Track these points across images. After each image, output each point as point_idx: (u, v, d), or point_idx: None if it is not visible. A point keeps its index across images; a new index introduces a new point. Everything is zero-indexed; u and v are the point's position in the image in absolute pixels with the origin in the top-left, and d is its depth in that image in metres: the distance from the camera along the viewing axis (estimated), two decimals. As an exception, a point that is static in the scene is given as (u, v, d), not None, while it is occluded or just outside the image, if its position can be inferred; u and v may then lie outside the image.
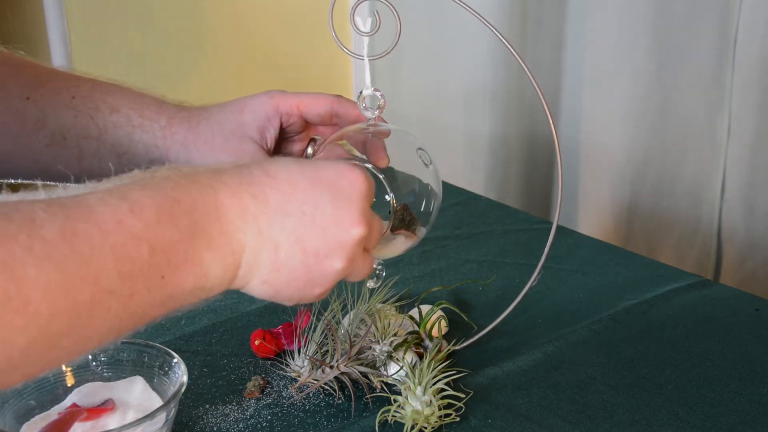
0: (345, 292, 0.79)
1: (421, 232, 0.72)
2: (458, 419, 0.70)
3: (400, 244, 0.71)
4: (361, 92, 0.72)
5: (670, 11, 1.78)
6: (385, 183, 0.68)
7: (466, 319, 0.83)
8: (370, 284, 0.73)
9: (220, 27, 2.00)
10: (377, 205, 0.68)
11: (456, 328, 0.83)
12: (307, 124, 0.78)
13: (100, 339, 0.49)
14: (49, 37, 1.74)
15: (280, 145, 0.79)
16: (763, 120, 1.76)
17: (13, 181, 0.82)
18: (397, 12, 0.69)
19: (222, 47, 2.01)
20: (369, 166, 0.69)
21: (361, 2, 0.69)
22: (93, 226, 0.47)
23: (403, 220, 0.70)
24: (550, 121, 0.73)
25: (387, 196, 0.68)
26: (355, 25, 0.70)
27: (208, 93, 1.94)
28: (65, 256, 0.45)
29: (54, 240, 0.45)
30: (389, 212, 0.68)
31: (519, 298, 0.79)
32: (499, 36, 0.71)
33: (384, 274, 0.73)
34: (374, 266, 0.72)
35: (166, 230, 0.50)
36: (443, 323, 0.82)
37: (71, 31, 1.76)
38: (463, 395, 0.71)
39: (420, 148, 0.72)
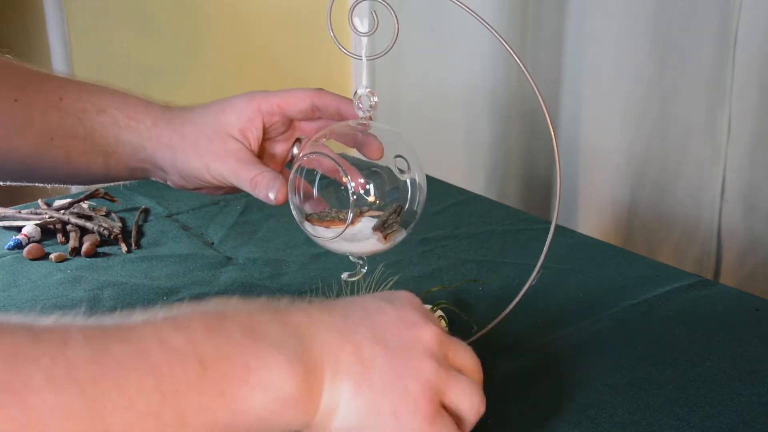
0: (345, 292, 0.79)
1: (398, 237, 0.72)
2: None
3: (369, 245, 0.71)
4: (356, 91, 0.72)
5: (670, 11, 1.78)
6: (341, 167, 0.68)
7: (465, 319, 0.83)
8: (345, 276, 0.73)
9: (220, 28, 2.00)
10: (341, 195, 0.69)
11: (456, 328, 0.83)
12: (290, 123, 0.78)
13: None
14: (49, 38, 1.75)
15: (265, 145, 0.79)
16: (763, 120, 1.76)
17: (1, 183, 0.83)
18: (394, 12, 0.69)
19: (222, 48, 2.02)
20: (331, 156, 0.70)
21: (359, 2, 0.69)
22: (129, 345, 0.44)
23: (386, 222, 0.70)
24: (548, 121, 0.73)
25: (350, 184, 0.68)
26: (352, 25, 0.70)
27: (208, 94, 1.94)
28: (94, 379, 0.42)
29: (81, 362, 0.42)
30: (350, 204, 0.68)
31: (518, 298, 0.79)
32: (496, 35, 0.71)
33: (365, 269, 0.73)
34: (354, 260, 0.73)
35: (219, 341, 0.46)
36: (443, 323, 0.82)
37: (71, 32, 1.77)
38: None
39: (398, 156, 0.71)
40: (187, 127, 0.77)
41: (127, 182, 0.88)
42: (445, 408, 0.54)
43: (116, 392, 0.42)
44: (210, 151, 0.76)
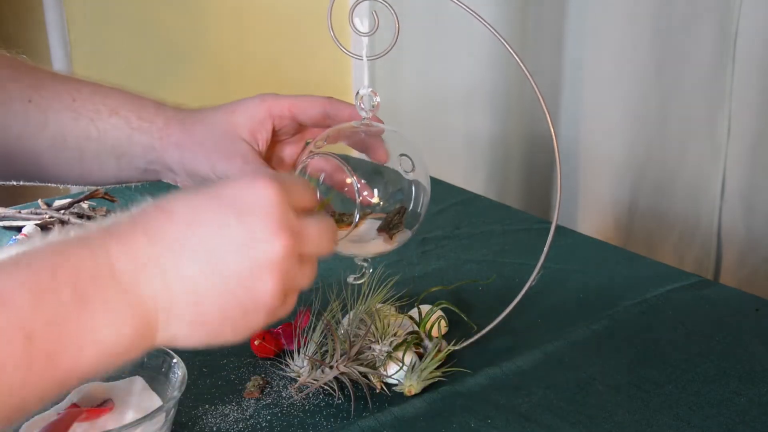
0: (345, 292, 0.79)
1: (403, 237, 0.72)
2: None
3: (374, 246, 0.71)
4: (358, 92, 0.72)
5: (670, 11, 1.78)
6: (344, 165, 0.68)
7: (465, 319, 0.83)
8: (351, 279, 0.73)
9: (220, 28, 2.00)
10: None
11: (456, 328, 0.83)
12: (300, 127, 0.79)
13: None
14: (49, 39, 1.75)
15: (274, 148, 0.79)
16: (763, 120, 1.76)
17: (15, 183, 0.83)
18: (395, 12, 0.69)
19: (222, 48, 2.01)
20: (335, 155, 0.69)
21: (360, 3, 0.69)
22: None
23: (391, 222, 0.70)
24: (549, 121, 0.73)
25: (356, 185, 0.68)
26: (353, 25, 0.70)
27: (208, 94, 1.94)
28: None
29: None
30: (356, 209, 0.68)
31: (518, 298, 0.79)
32: (497, 36, 0.71)
33: (370, 270, 0.73)
34: (359, 262, 0.73)
35: (46, 308, 0.46)
36: (443, 323, 0.82)
37: (71, 33, 1.77)
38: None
39: (403, 155, 0.71)
40: (196, 127, 0.78)
41: (132, 183, 0.88)
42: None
43: None
44: (217, 150, 0.76)
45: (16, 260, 0.47)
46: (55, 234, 0.49)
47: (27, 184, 0.84)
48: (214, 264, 0.51)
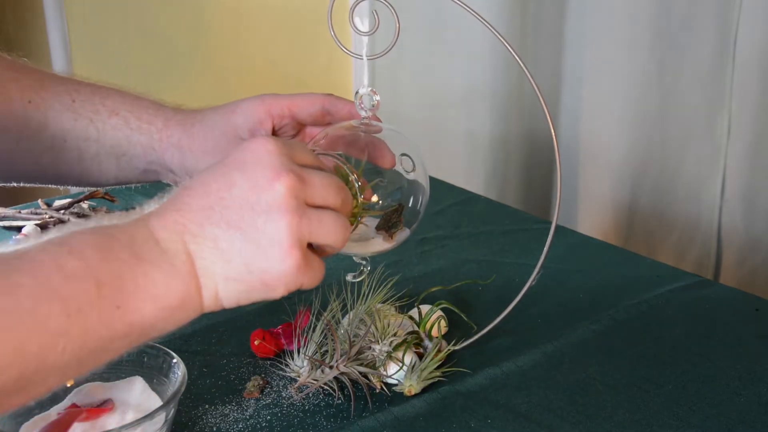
0: (345, 292, 0.79)
1: (403, 235, 0.72)
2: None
3: (374, 245, 0.71)
4: (357, 91, 0.72)
5: (670, 11, 1.78)
6: (345, 166, 0.68)
7: (465, 319, 0.83)
8: (350, 277, 0.73)
9: (219, 28, 2.00)
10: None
11: (456, 328, 0.83)
12: (300, 126, 0.79)
13: (60, 378, 0.52)
14: (50, 39, 1.75)
15: None
16: (763, 120, 1.76)
17: (15, 185, 0.83)
18: (395, 11, 0.69)
19: (222, 48, 2.01)
20: (334, 154, 0.69)
21: (360, 2, 0.69)
22: (34, 278, 0.49)
23: (389, 220, 0.70)
24: (549, 121, 0.73)
25: (356, 183, 0.67)
26: (354, 24, 0.70)
27: (208, 94, 1.94)
28: (8, 310, 0.47)
29: None
30: (354, 193, 0.67)
31: (519, 298, 0.79)
32: (498, 35, 0.70)
33: (368, 269, 0.73)
34: (357, 261, 0.73)
35: (110, 264, 0.52)
36: (443, 323, 0.82)
37: (71, 33, 1.77)
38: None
39: (404, 154, 0.71)
40: (196, 127, 0.78)
41: (132, 184, 0.88)
42: (312, 245, 0.60)
43: (30, 319, 0.48)
44: (217, 151, 0.76)
45: (78, 228, 0.54)
46: (100, 215, 0.57)
47: (27, 185, 0.84)
48: (232, 221, 0.56)
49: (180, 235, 0.56)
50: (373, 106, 0.72)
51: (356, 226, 0.68)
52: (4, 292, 0.47)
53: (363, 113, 0.72)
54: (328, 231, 0.59)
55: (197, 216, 0.56)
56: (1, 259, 0.49)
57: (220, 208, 0.56)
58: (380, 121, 0.73)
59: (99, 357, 0.53)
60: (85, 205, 1.08)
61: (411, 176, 0.71)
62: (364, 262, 0.73)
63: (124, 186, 0.87)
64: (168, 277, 0.54)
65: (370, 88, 0.71)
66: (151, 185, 1.00)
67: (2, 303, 0.47)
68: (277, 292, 0.58)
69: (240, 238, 0.56)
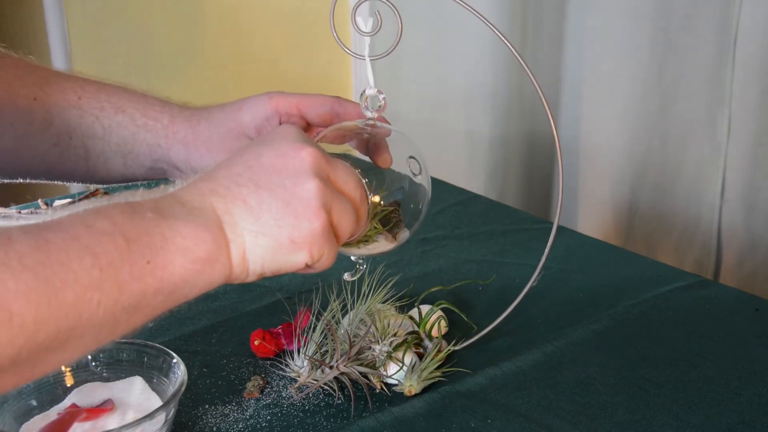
0: (345, 292, 0.79)
1: (403, 236, 0.72)
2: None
3: (376, 246, 0.71)
4: (363, 92, 0.72)
5: (670, 11, 1.78)
6: (348, 164, 0.67)
7: (465, 319, 0.83)
8: (347, 276, 0.73)
9: (220, 28, 2.00)
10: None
11: (456, 328, 0.83)
12: (307, 125, 0.78)
13: (96, 337, 0.51)
14: (49, 37, 1.75)
15: None
16: (763, 120, 1.75)
17: (21, 181, 0.83)
18: (398, 12, 0.69)
19: (222, 48, 2.02)
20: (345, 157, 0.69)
21: (362, 2, 0.69)
22: (64, 233, 0.50)
23: (389, 220, 0.70)
24: (551, 120, 0.73)
25: (364, 180, 0.67)
26: (356, 25, 0.70)
27: (208, 94, 1.94)
28: (42, 263, 0.47)
29: (29, 252, 0.47)
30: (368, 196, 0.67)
31: (519, 298, 0.79)
32: (499, 35, 0.70)
33: (364, 267, 0.73)
34: (354, 260, 0.73)
35: (136, 222, 0.53)
36: (443, 323, 0.82)
37: (71, 32, 1.77)
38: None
39: (411, 157, 0.71)
40: (202, 124, 0.78)
41: (138, 182, 0.88)
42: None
43: (63, 271, 0.48)
44: (223, 148, 0.76)
45: (103, 200, 0.55)
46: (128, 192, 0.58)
47: (32, 182, 0.84)
48: (261, 183, 0.58)
49: (207, 197, 0.57)
50: (379, 107, 0.71)
51: (361, 234, 0.67)
52: (36, 248, 0.48)
53: (369, 114, 0.72)
54: (345, 211, 0.60)
55: (225, 180, 0.58)
56: (29, 226, 0.50)
57: (249, 173, 0.58)
58: (387, 122, 0.73)
59: (132, 317, 0.53)
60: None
61: (418, 179, 0.71)
62: (360, 261, 0.73)
63: (130, 184, 0.87)
64: (196, 228, 0.55)
65: (376, 89, 0.71)
66: (154, 185, 1.00)
67: (34, 257, 0.47)
68: (301, 255, 0.58)
69: (269, 196, 0.57)
